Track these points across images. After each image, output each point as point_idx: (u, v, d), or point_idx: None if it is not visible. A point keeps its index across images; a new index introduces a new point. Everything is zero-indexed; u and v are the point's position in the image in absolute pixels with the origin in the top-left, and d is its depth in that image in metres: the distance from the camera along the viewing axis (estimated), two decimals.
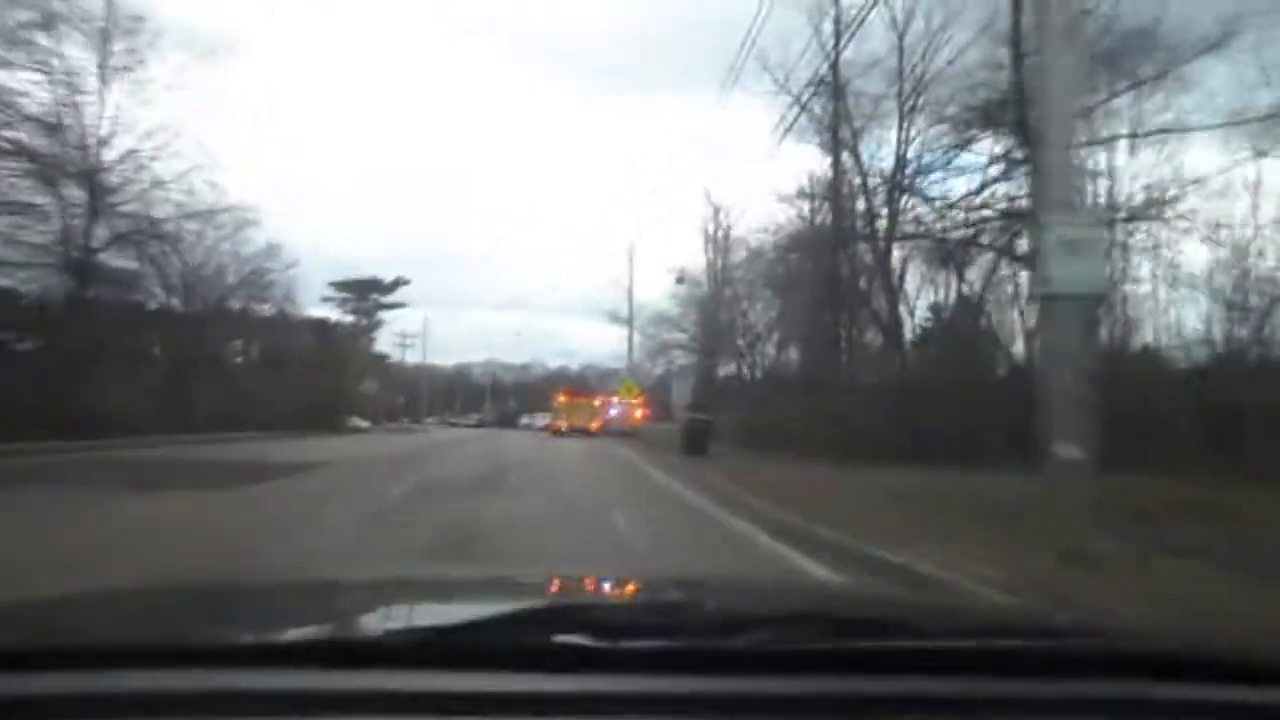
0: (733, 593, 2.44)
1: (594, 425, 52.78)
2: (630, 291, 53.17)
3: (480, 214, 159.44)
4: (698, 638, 1.49)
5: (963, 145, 23.96)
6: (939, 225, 25.23)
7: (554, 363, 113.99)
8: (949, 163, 24.94)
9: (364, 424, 58.48)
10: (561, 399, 59.70)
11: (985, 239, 23.72)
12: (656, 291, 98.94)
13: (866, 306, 27.25)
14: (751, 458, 23.65)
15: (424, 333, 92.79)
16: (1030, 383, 10.90)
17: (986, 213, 23.28)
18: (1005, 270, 24.30)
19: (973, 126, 23.02)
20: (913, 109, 25.80)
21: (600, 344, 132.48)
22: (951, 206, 24.52)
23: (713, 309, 42.72)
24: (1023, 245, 20.09)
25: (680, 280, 44.71)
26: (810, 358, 30.84)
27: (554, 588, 2.34)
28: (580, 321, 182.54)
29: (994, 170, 22.99)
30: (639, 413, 49.49)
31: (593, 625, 1.44)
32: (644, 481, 19.44)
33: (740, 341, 41.04)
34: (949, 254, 25.30)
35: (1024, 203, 20.67)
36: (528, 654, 1.39)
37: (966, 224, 24.06)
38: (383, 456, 25.06)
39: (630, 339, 52.95)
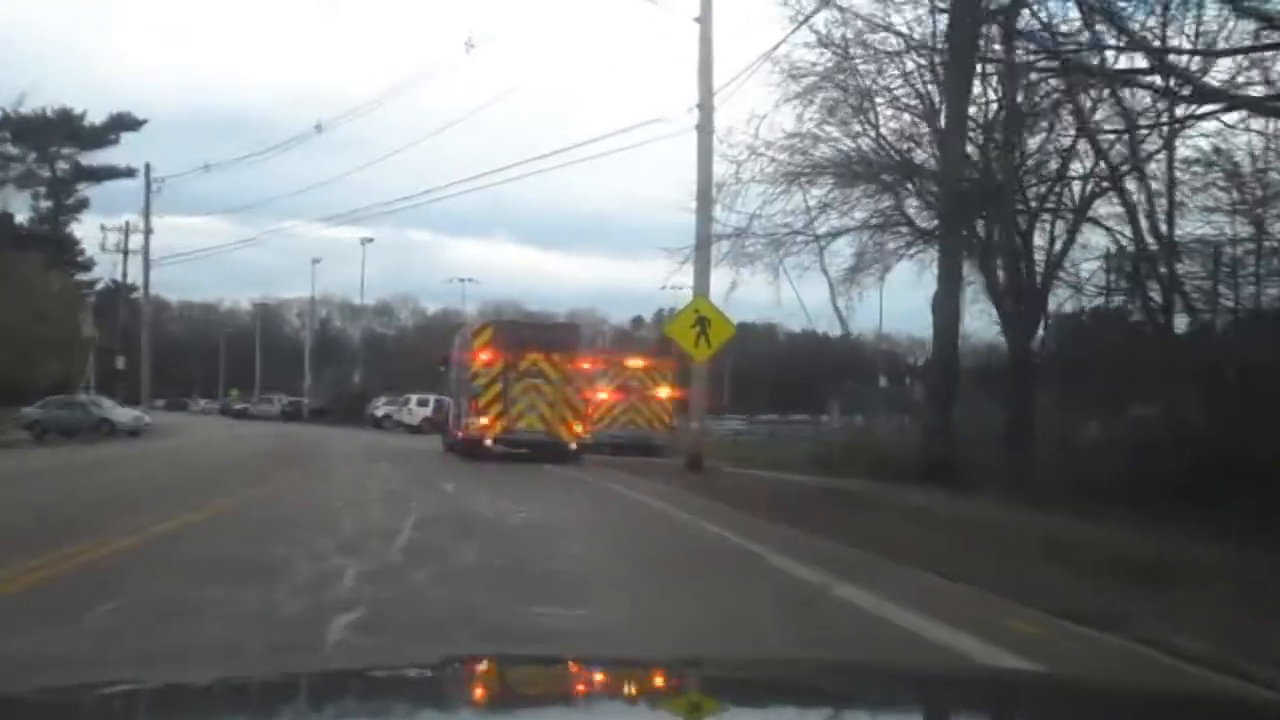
0: None
1: (573, 430, 23.89)
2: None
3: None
4: None
5: None
6: None
7: (434, 302, 74.23)
8: None
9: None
10: (487, 350, 23.87)
11: None
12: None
13: None
14: None
15: (144, 214, 45.96)
16: None
17: None
18: None
19: None
20: None
21: (524, 273, 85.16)
22: None
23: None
24: None
25: None
26: None
27: None
28: (482, 242, 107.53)
29: None
30: (664, 390, 27.87)
31: None
32: None
33: None
34: None
35: None
36: None
37: None
38: None
39: (705, 139, 21.19)
